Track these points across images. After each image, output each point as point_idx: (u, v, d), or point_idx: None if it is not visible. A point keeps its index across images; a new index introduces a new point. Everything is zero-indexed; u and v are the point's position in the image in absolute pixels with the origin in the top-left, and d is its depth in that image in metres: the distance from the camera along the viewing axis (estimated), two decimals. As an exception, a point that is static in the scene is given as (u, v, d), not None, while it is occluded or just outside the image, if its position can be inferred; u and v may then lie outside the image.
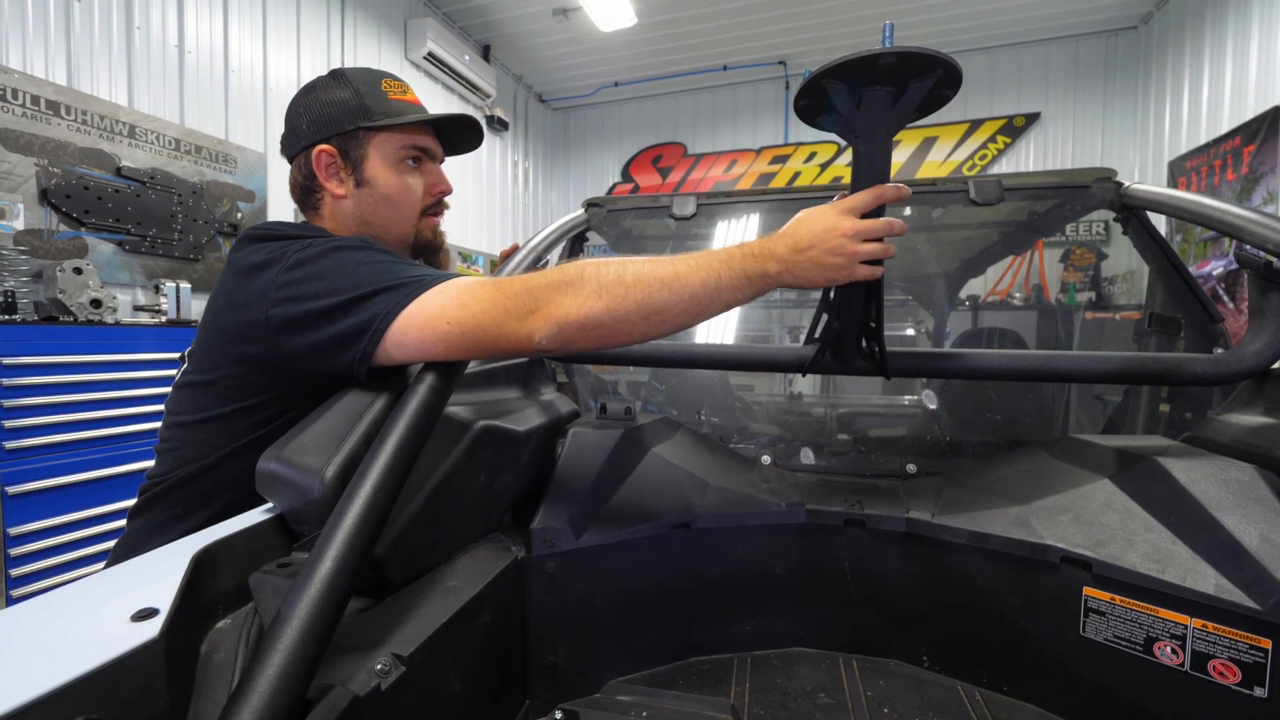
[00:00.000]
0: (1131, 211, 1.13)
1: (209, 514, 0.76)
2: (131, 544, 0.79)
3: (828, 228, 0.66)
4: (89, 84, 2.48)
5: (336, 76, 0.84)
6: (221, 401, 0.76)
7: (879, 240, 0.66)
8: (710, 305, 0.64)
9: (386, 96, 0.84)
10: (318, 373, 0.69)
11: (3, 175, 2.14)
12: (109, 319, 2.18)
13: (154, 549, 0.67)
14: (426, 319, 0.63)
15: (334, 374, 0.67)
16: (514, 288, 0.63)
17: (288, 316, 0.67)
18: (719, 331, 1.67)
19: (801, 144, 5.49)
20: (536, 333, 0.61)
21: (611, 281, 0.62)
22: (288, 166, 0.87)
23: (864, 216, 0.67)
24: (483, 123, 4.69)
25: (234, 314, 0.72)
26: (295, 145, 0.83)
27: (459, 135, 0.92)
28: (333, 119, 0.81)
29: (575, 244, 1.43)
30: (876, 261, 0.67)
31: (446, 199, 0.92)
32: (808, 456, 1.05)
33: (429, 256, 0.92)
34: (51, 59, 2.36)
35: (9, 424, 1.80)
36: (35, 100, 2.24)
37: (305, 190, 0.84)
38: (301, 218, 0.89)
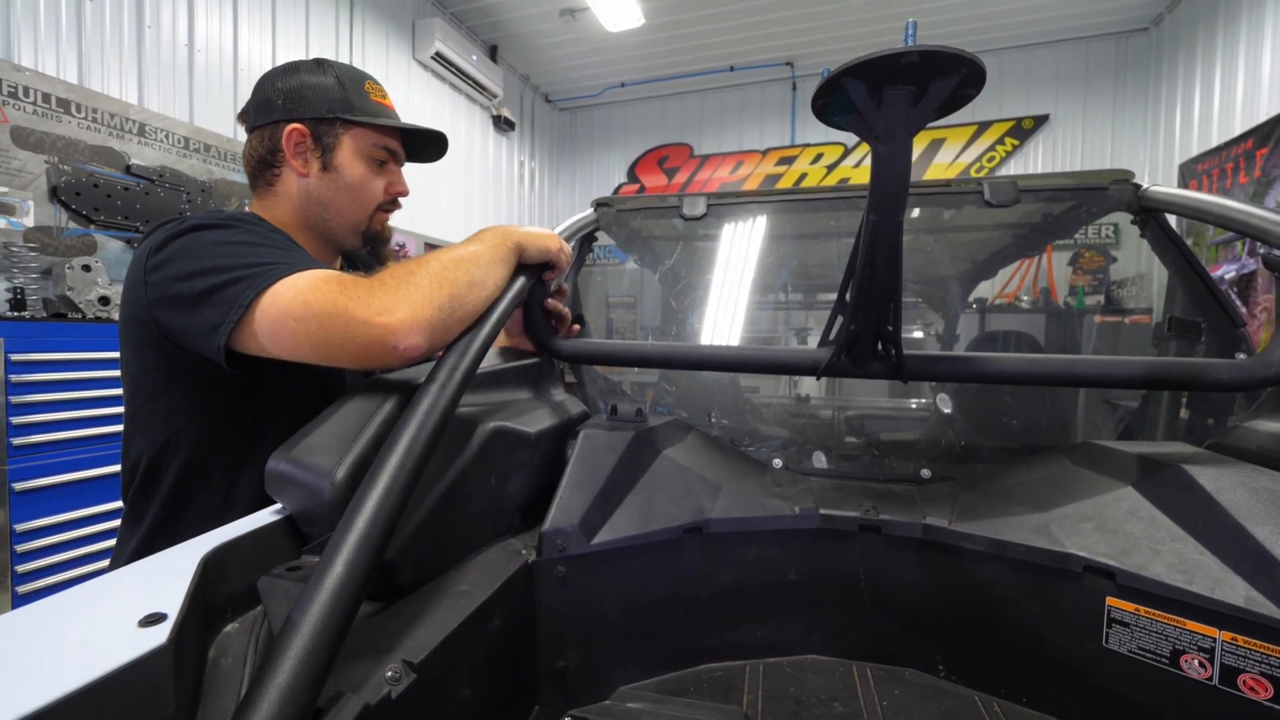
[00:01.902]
0: (1150, 214, 1.11)
1: (162, 515, 0.79)
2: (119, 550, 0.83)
3: (539, 230, 0.85)
4: (99, 82, 2.49)
5: (321, 65, 0.88)
6: (142, 393, 0.79)
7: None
8: (499, 274, 0.74)
9: (369, 97, 0.90)
10: (200, 356, 0.69)
11: (14, 172, 2.14)
12: (117, 316, 2.19)
13: (138, 552, 0.69)
14: (277, 314, 0.63)
15: (200, 356, 0.68)
16: (358, 289, 0.63)
17: (158, 297, 0.70)
18: (726, 333, 1.66)
19: (808, 145, 5.47)
20: (385, 335, 0.61)
21: (442, 271, 0.67)
22: None
23: None
24: (490, 122, 4.64)
25: (126, 305, 0.76)
26: (265, 118, 0.86)
27: (423, 146, 0.98)
28: (312, 102, 0.85)
29: (584, 244, 1.42)
30: (894, 261, 0.69)
31: (401, 200, 0.98)
32: (820, 460, 1.04)
33: (378, 247, 0.98)
34: (63, 57, 2.37)
35: (16, 420, 1.80)
36: (46, 98, 2.24)
37: (263, 163, 0.88)
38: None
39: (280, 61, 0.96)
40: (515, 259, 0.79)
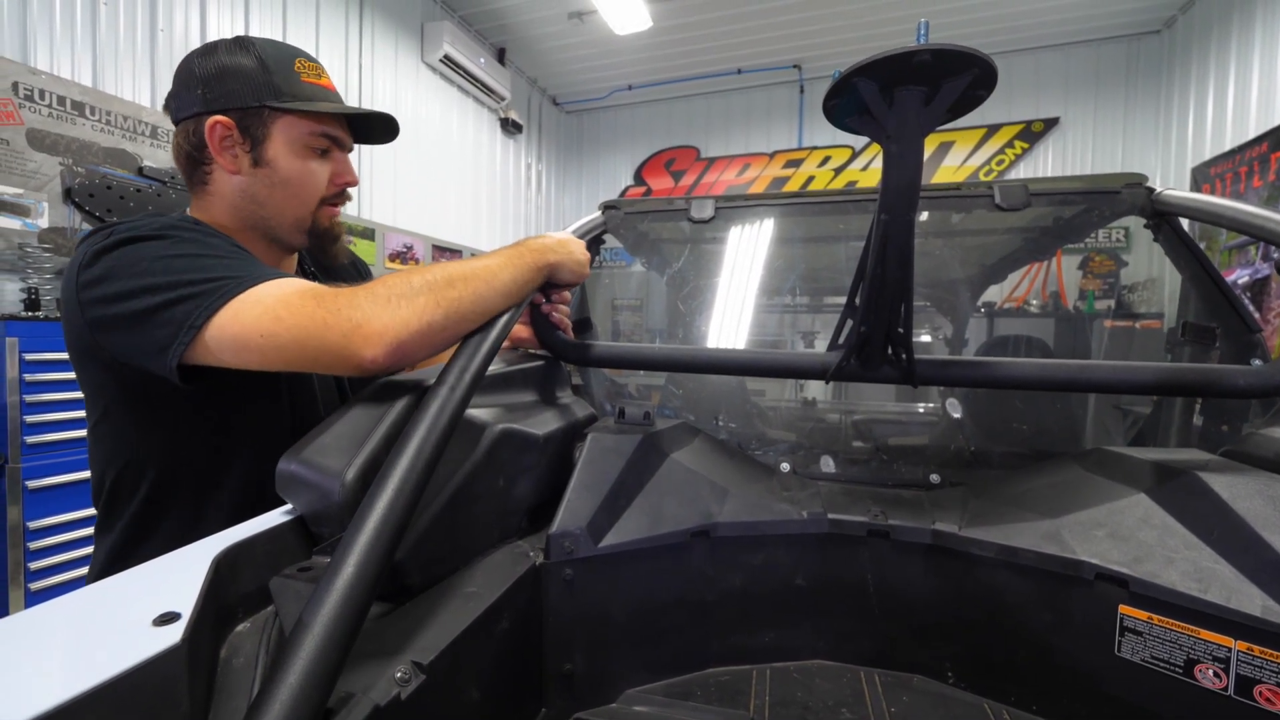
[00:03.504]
0: (1164, 218, 1.10)
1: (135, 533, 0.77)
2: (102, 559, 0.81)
3: (571, 239, 0.85)
4: (113, 85, 2.52)
5: (242, 44, 0.79)
6: (95, 410, 0.76)
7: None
8: (519, 294, 0.72)
9: (299, 78, 0.80)
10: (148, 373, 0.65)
11: (29, 174, 2.17)
12: (129, 317, 2.21)
13: (105, 570, 0.68)
14: (240, 331, 0.60)
15: (148, 372, 0.65)
16: (336, 301, 0.60)
17: (95, 318, 0.65)
18: (733, 336, 1.65)
19: (815, 148, 5.47)
20: (367, 349, 0.58)
21: (443, 284, 0.63)
22: None
23: None
24: (498, 125, 4.66)
25: (65, 323, 0.72)
26: (186, 109, 0.78)
27: (374, 127, 0.90)
28: (233, 91, 0.76)
29: (592, 246, 1.43)
30: (905, 262, 0.68)
31: (350, 190, 0.90)
32: (828, 464, 1.03)
33: (326, 245, 0.89)
34: (78, 60, 2.41)
35: (30, 419, 1.82)
36: (61, 100, 2.27)
37: (192, 160, 0.79)
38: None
39: None
40: (542, 279, 0.76)
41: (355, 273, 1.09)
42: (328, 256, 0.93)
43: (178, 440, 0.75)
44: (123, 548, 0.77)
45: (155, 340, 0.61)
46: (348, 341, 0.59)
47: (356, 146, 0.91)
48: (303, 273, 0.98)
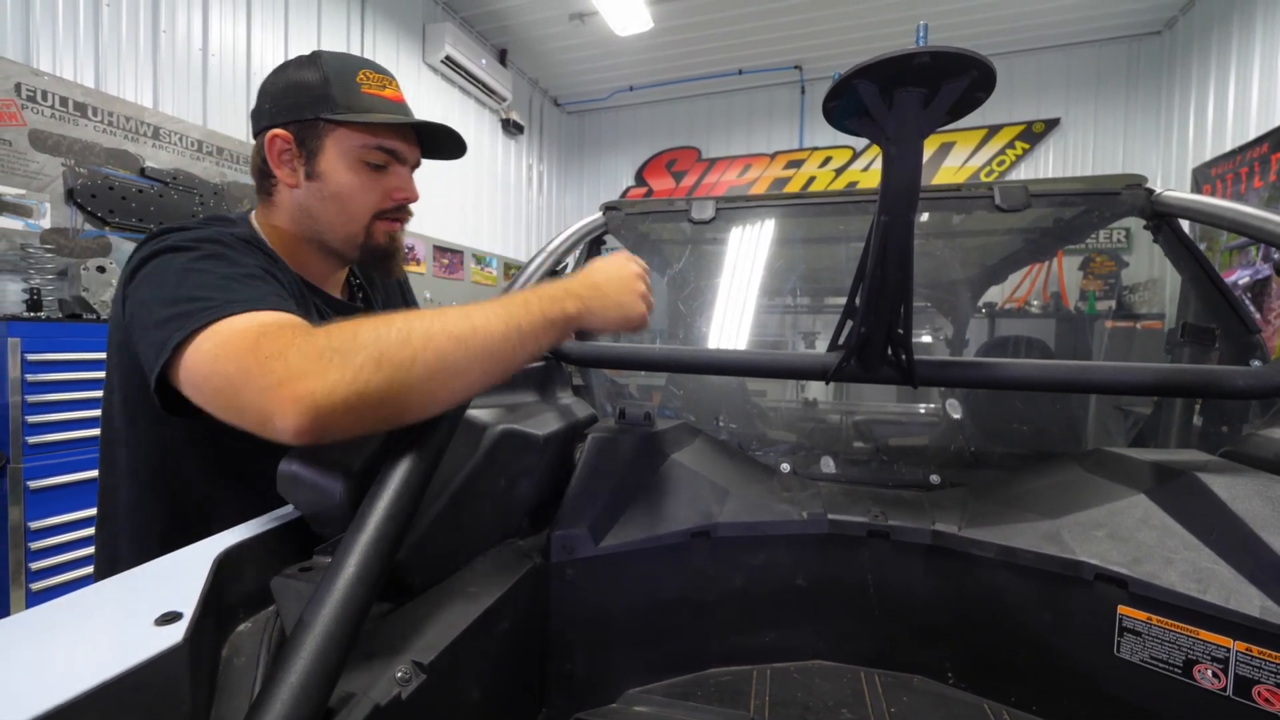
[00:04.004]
0: (1163, 219, 1.10)
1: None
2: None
3: (621, 267, 0.71)
4: (115, 86, 2.53)
5: (312, 58, 0.79)
6: (126, 420, 0.75)
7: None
8: (513, 359, 0.57)
9: (359, 89, 0.78)
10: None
11: (31, 175, 2.18)
12: (130, 317, 2.21)
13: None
14: (188, 363, 0.54)
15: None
16: (269, 348, 0.50)
17: (129, 331, 0.65)
18: (734, 337, 1.66)
19: (816, 149, 5.47)
20: (277, 415, 0.47)
21: (396, 343, 0.49)
22: None
23: None
24: (499, 126, 4.66)
25: (111, 321, 0.73)
26: (256, 124, 0.80)
27: (441, 143, 0.86)
28: (293, 104, 0.76)
29: (593, 247, 1.43)
30: (905, 263, 0.67)
31: (411, 206, 0.86)
32: (828, 465, 1.04)
33: (380, 263, 0.86)
34: (80, 61, 2.41)
35: (32, 419, 1.82)
36: (64, 102, 2.28)
37: (261, 174, 0.81)
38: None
39: None
40: (560, 331, 0.62)
41: (400, 295, 1.06)
42: (381, 272, 0.90)
43: (176, 453, 0.74)
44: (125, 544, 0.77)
45: (145, 357, 0.60)
46: (264, 401, 0.48)
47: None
48: (349, 286, 0.95)
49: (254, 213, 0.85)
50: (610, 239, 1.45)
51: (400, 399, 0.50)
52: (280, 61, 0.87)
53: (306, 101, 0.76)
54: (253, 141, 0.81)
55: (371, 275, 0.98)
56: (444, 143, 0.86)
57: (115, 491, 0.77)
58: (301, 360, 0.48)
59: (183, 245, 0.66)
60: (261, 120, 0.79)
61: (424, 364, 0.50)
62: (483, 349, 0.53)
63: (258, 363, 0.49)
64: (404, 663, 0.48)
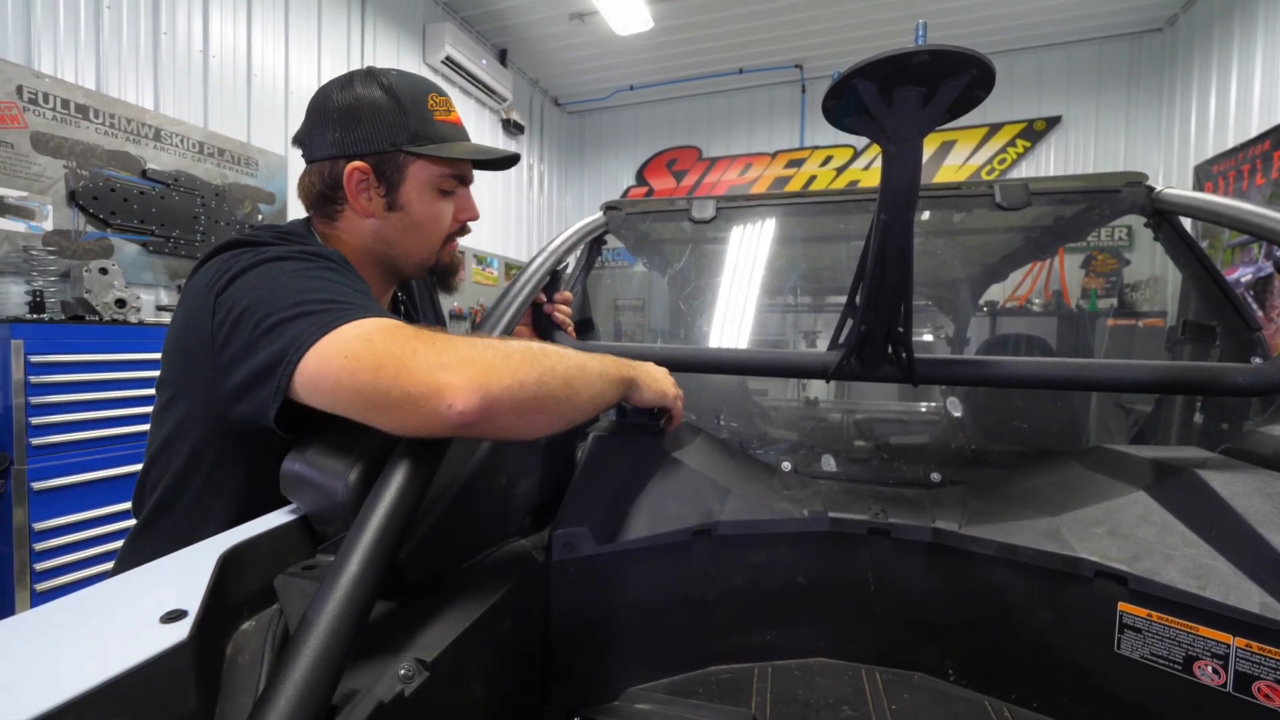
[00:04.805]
0: (1164, 217, 1.10)
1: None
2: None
3: (657, 367, 0.79)
4: (117, 88, 2.53)
5: (374, 77, 0.77)
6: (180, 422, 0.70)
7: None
8: (602, 401, 0.65)
9: (433, 118, 0.78)
10: (241, 417, 0.60)
11: (33, 177, 2.18)
12: (133, 318, 2.22)
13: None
14: (327, 350, 0.53)
15: (250, 418, 0.59)
16: (437, 336, 0.54)
17: (225, 340, 0.60)
18: (734, 335, 1.66)
19: (817, 148, 5.46)
20: (450, 390, 0.49)
21: (538, 353, 0.57)
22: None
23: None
24: (500, 126, 4.66)
25: (186, 333, 0.66)
26: (321, 150, 0.77)
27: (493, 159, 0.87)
28: (369, 135, 0.75)
29: (594, 247, 1.43)
30: (905, 262, 0.69)
31: (470, 224, 0.89)
32: (829, 463, 1.04)
33: (446, 278, 0.91)
34: (81, 64, 2.42)
35: (36, 421, 1.83)
36: (65, 104, 2.29)
37: (324, 199, 0.79)
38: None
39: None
40: (623, 392, 0.70)
41: (432, 307, 1.07)
42: (445, 287, 0.94)
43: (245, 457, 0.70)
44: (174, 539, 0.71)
45: (267, 359, 0.56)
46: (438, 377, 0.49)
47: None
48: (394, 300, 0.96)
49: (311, 224, 0.83)
50: (611, 238, 1.46)
51: (542, 400, 0.55)
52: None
53: (384, 131, 0.75)
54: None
55: (411, 286, 1.00)
56: (494, 159, 0.86)
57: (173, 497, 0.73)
58: (469, 349, 0.53)
59: (290, 255, 0.65)
60: (328, 148, 0.76)
61: (559, 376, 0.57)
62: (592, 383, 0.62)
63: (425, 344, 0.52)
64: (407, 660, 0.49)
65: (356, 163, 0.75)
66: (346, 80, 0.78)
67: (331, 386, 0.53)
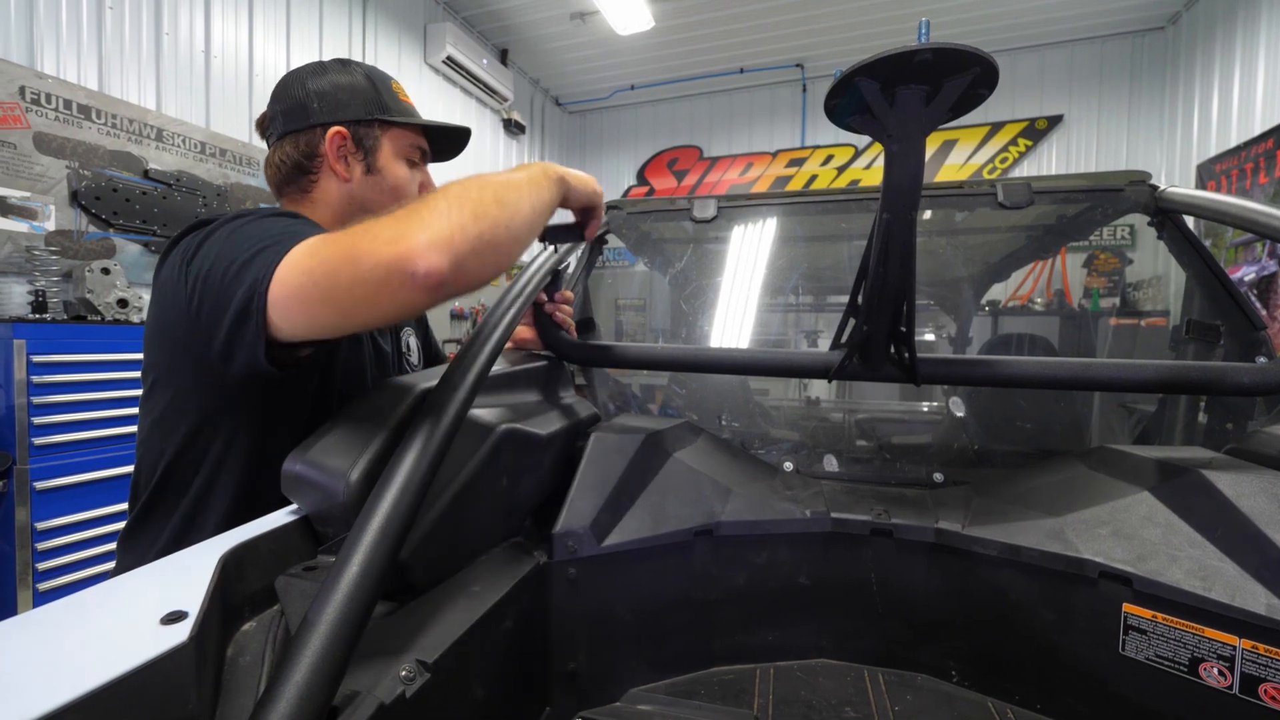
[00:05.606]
0: (1168, 215, 1.10)
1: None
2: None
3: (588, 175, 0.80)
4: (119, 88, 2.54)
5: (347, 65, 0.87)
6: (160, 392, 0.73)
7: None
8: (542, 204, 0.67)
9: (398, 96, 0.89)
10: (239, 373, 0.62)
11: (36, 177, 2.19)
12: (135, 319, 2.22)
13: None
14: (286, 275, 0.55)
15: (246, 370, 0.60)
16: (369, 224, 0.55)
17: (200, 300, 0.62)
18: (736, 335, 1.65)
19: (818, 147, 5.46)
20: (414, 257, 0.50)
21: (459, 192, 0.58)
22: None
23: None
24: (501, 125, 4.67)
25: (164, 311, 0.69)
26: (298, 122, 0.83)
27: (443, 145, 0.96)
28: (349, 104, 0.83)
29: (595, 246, 1.43)
30: (908, 261, 0.68)
31: None
32: (831, 464, 1.03)
33: None
34: (83, 64, 2.42)
35: (38, 420, 1.83)
36: (68, 104, 2.29)
37: (298, 169, 0.84)
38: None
39: (294, 67, 0.91)
40: (559, 190, 0.71)
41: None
42: None
43: (243, 418, 0.73)
44: (182, 532, 0.74)
45: (240, 303, 0.58)
46: (396, 250, 0.51)
47: None
48: None
49: (280, 207, 0.86)
50: (612, 238, 1.45)
51: (484, 228, 0.55)
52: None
53: (361, 103, 0.84)
54: (259, 143, 0.83)
55: None
56: (446, 144, 0.97)
57: (176, 468, 0.74)
58: (393, 224, 0.53)
59: (246, 213, 0.69)
60: (309, 118, 0.83)
61: (488, 200, 0.58)
62: (518, 189, 0.63)
63: (363, 234, 0.53)
64: (408, 661, 0.48)
65: (336, 128, 0.82)
66: (318, 66, 0.86)
67: (302, 306, 0.56)
